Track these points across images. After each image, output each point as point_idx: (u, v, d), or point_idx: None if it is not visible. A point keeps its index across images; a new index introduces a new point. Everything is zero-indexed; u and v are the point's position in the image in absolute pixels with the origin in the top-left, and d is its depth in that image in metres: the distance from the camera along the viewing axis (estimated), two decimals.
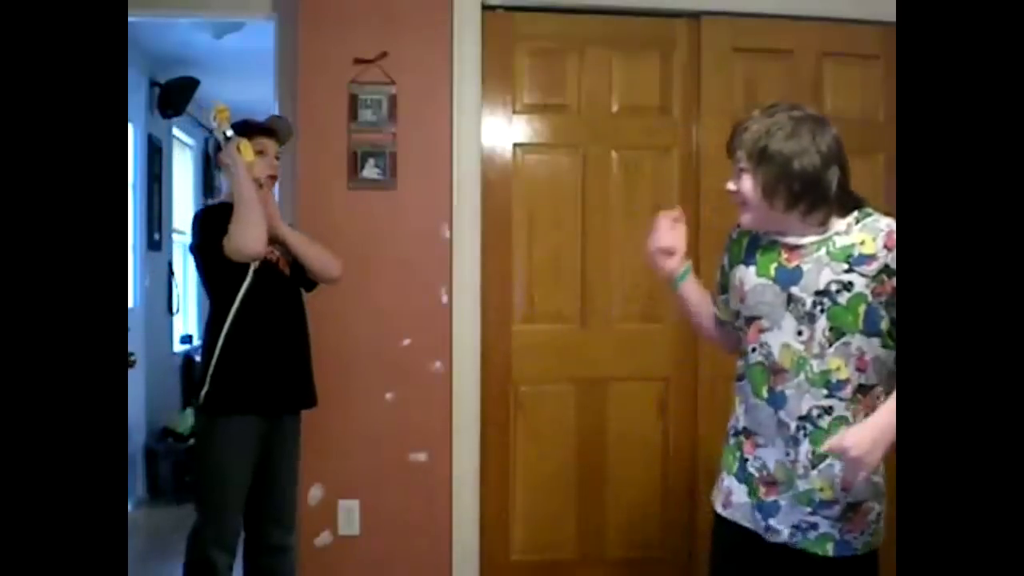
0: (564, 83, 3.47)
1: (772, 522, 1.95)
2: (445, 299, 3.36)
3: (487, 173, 3.41)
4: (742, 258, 2.01)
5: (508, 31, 3.42)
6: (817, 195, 1.85)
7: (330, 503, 3.30)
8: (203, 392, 2.70)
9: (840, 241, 1.86)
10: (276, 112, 3.40)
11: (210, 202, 2.91)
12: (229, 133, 2.72)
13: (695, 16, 3.49)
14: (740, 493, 2.01)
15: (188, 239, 2.85)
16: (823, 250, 1.87)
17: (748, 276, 1.96)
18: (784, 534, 1.93)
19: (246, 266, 2.70)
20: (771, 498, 1.95)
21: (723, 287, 2.11)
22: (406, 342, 3.34)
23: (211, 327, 2.74)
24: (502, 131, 3.43)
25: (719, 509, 2.07)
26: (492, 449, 3.42)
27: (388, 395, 3.34)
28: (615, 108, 3.50)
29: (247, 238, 2.62)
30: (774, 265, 1.92)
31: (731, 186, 1.94)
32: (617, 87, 3.49)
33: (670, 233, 2.10)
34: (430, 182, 3.35)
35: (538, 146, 3.47)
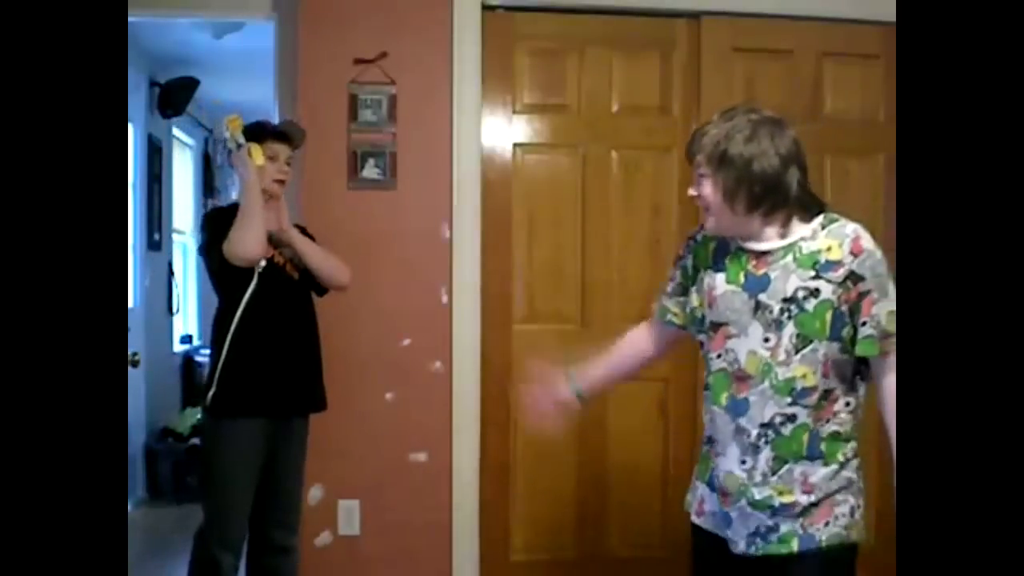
0: (564, 83, 3.47)
1: (729, 532, 1.95)
2: (445, 299, 3.36)
3: (487, 173, 3.41)
4: (710, 263, 1.99)
5: (508, 31, 3.42)
6: (778, 197, 1.85)
7: (330, 503, 3.30)
8: (210, 394, 2.70)
9: (807, 247, 1.86)
10: (276, 113, 3.41)
11: (218, 204, 2.90)
12: (241, 141, 2.73)
13: (695, 16, 3.49)
14: (711, 501, 2.01)
15: (194, 239, 2.86)
16: (790, 256, 1.86)
17: (718, 282, 1.94)
18: (740, 545, 1.92)
19: (251, 269, 2.70)
20: (725, 508, 1.95)
21: (683, 288, 2.08)
22: (406, 342, 3.34)
23: (218, 329, 2.74)
24: (502, 131, 3.43)
25: (693, 517, 2.07)
26: (492, 449, 3.42)
27: (388, 395, 3.34)
28: (615, 108, 3.50)
29: (243, 242, 2.63)
30: (742, 272, 1.91)
31: (692, 192, 1.95)
32: (617, 87, 3.49)
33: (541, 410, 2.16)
34: (430, 182, 3.35)
35: (538, 146, 3.47)
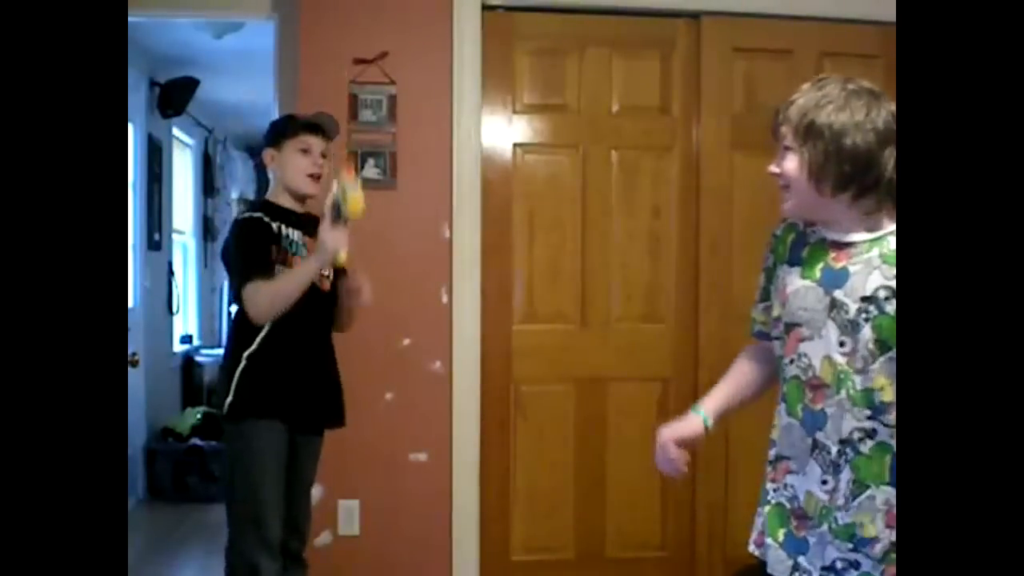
0: (564, 83, 3.47)
1: (801, 560, 1.74)
2: (445, 299, 3.36)
3: (487, 173, 3.41)
4: (786, 257, 1.78)
5: (508, 31, 3.42)
6: (869, 178, 1.62)
7: (330, 503, 3.30)
8: (227, 401, 2.61)
9: (895, 243, 1.64)
10: (276, 114, 3.40)
11: (246, 212, 2.78)
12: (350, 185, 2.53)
13: (695, 16, 3.49)
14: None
15: (221, 243, 2.73)
16: (875, 251, 1.66)
17: (792, 278, 1.74)
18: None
19: None
20: (801, 534, 1.74)
21: (766, 292, 1.86)
22: (406, 342, 3.34)
23: (237, 338, 2.65)
24: (502, 131, 3.43)
25: (752, 548, 1.86)
26: (492, 449, 3.42)
27: (388, 395, 3.34)
28: (615, 108, 3.50)
29: (263, 316, 2.54)
30: (820, 265, 1.70)
31: (774, 168, 1.72)
32: (617, 87, 3.49)
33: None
34: (430, 182, 3.35)
35: (538, 146, 3.47)
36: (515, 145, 3.45)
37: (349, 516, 3.32)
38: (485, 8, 3.37)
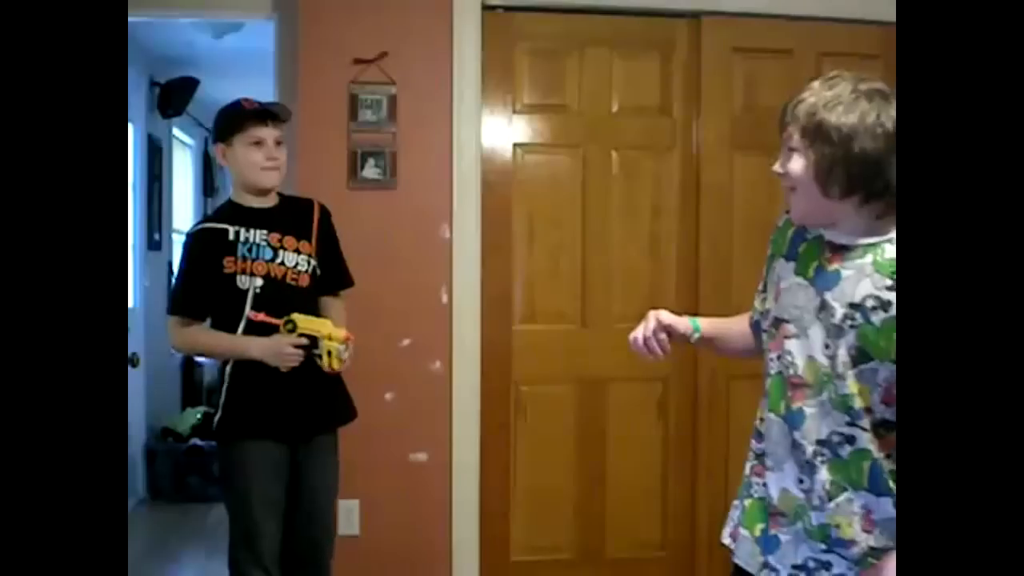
0: (564, 83, 3.47)
1: (770, 559, 1.73)
2: (445, 299, 3.36)
3: (487, 173, 3.41)
4: (784, 251, 1.76)
5: (508, 31, 3.42)
6: (878, 183, 1.57)
7: None
8: (216, 419, 2.57)
9: (891, 251, 1.59)
10: None
11: (200, 221, 2.74)
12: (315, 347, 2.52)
13: (695, 16, 3.49)
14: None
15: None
16: (869, 257, 1.61)
17: (786, 272, 1.73)
18: (783, 574, 1.72)
19: (243, 291, 2.53)
20: (773, 531, 1.73)
21: (765, 283, 1.84)
22: (406, 342, 3.34)
23: None
24: (502, 131, 3.43)
25: (727, 540, 1.86)
26: (492, 449, 3.42)
27: (388, 395, 3.34)
28: (615, 108, 3.50)
29: (175, 350, 2.66)
30: (814, 264, 1.67)
31: (778, 168, 1.67)
32: (617, 87, 3.49)
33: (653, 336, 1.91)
34: (430, 182, 3.35)
35: (538, 146, 3.47)
36: (515, 145, 3.45)
37: (349, 516, 3.31)
38: (485, 8, 3.37)
